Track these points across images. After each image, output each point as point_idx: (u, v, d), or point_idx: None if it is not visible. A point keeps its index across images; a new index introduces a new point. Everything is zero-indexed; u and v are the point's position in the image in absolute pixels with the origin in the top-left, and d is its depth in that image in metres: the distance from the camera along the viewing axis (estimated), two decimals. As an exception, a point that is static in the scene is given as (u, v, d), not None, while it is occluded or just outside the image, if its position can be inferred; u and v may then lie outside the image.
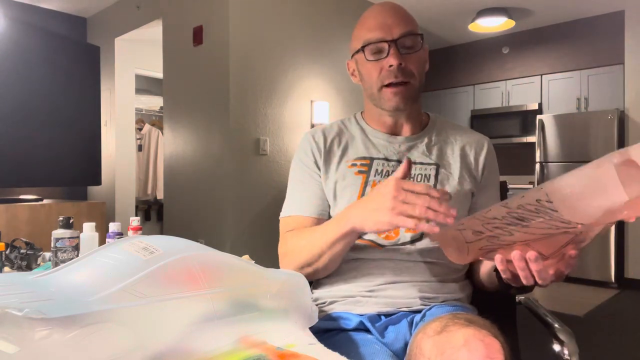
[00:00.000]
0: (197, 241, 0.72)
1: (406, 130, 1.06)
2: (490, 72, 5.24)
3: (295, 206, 1.05)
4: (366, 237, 0.98)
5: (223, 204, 3.20)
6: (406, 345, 0.88)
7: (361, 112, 1.13)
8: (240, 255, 0.84)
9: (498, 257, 0.75)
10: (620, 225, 4.19)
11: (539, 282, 0.74)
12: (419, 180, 1.01)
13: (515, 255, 0.72)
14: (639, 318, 3.45)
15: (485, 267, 0.98)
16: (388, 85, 0.98)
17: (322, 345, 0.67)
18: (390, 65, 0.95)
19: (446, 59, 5.47)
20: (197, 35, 3.37)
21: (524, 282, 0.74)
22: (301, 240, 0.98)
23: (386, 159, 1.03)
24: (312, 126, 3.61)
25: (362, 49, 0.99)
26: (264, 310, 0.67)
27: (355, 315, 0.93)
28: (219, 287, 0.62)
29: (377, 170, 1.01)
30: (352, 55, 1.06)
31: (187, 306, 0.59)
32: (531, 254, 0.70)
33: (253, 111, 3.28)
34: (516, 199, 0.65)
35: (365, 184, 1.00)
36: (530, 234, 0.69)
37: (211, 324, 0.60)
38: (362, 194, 0.99)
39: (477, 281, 1.04)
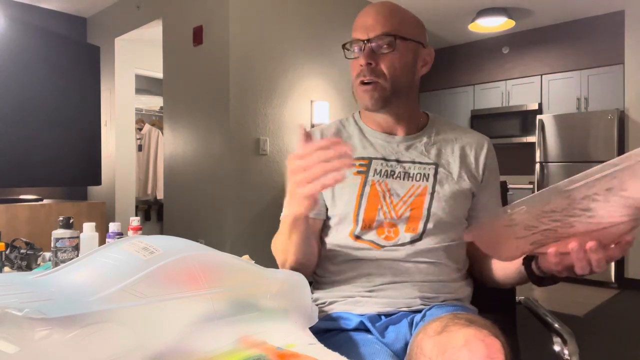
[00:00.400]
0: (197, 241, 0.72)
1: (401, 130, 1.06)
2: (490, 72, 5.24)
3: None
4: (365, 237, 0.98)
5: (223, 204, 3.20)
6: (406, 345, 0.88)
7: (359, 112, 1.13)
8: (240, 255, 0.84)
9: (552, 251, 0.74)
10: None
11: (596, 270, 0.74)
12: (417, 179, 1.00)
13: (574, 247, 0.71)
14: (639, 318, 3.45)
15: (501, 264, 0.98)
16: (360, 83, 1.00)
17: (322, 345, 0.67)
18: (361, 65, 0.98)
19: (446, 59, 5.46)
20: (197, 35, 3.37)
21: (579, 272, 0.74)
22: (277, 242, 1.01)
23: (384, 159, 1.03)
24: (312, 126, 3.61)
25: (344, 47, 1.03)
26: (264, 310, 0.67)
27: (355, 315, 0.93)
28: (219, 287, 0.62)
29: (375, 170, 1.02)
30: None
31: (187, 306, 0.59)
32: (592, 244, 0.70)
33: (253, 111, 3.28)
34: (582, 189, 0.64)
35: (364, 184, 1.00)
36: (595, 224, 0.68)
37: (211, 324, 0.60)
38: (361, 193, 0.99)
39: (489, 279, 1.03)
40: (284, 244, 0.95)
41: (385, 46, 0.98)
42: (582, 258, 0.72)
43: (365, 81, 0.98)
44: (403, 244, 0.97)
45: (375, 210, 0.98)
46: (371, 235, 0.98)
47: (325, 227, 1.05)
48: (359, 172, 1.02)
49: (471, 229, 0.84)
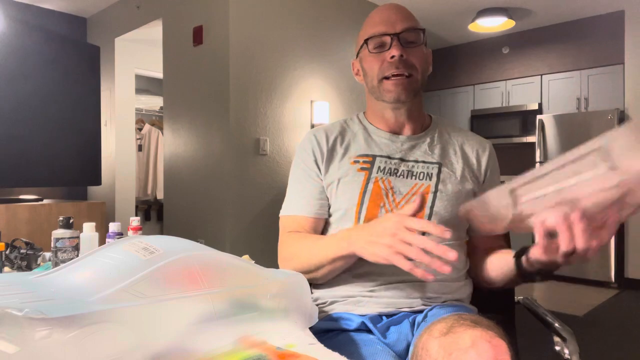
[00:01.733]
0: (197, 241, 0.72)
1: (408, 128, 1.07)
2: (490, 72, 5.24)
3: (294, 206, 1.06)
4: None
5: (223, 204, 3.20)
6: (408, 345, 0.88)
7: (363, 112, 1.14)
8: (240, 255, 0.84)
9: (538, 221, 0.72)
10: (620, 225, 4.19)
11: (580, 246, 0.70)
12: (421, 178, 1.01)
13: (558, 215, 0.70)
14: (639, 318, 3.45)
15: (496, 263, 0.98)
16: (389, 78, 0.99)
17: (322, 345, 0.67)
18: (392, 57, 0.98)
19: (446, 59, 5.46)
20: (197, 35, 3.37)
21: (563, 247, 0.71)
22: (302, 249, 0.98)
23: (389, 157, 1.03)
24: (312, 126, 3.61)
25: (366, 42, 1.02)
26: (264, 310, 0.67)
27: (356, 316, 0.93)
28: (219, 287, 0.62)
29: (379, 167, 1.02)
30: (357, 54, 1.08)
31: (187, 306, 0.59)
32: (576, 214, 0.69)
33: (253, 111, 3.28)
34: (575, 151, 0.66)
35: (368, 180, 1.00)
36: (581, 192, 0.68)
37: (211, 324, 0.60)
38: (364, 190, 0.99)
39: (483, 278, 1.03)
40: (317, 258, 0.94)
41: (414, 40, 1.00)
42: (567, 228, 0.70)
43: (397, 74, 0.98)
44: None
45: (377, 208, 0.98)
46: None
47: (326, 223, 1.05)
48: (362, 169, 1.02)
49: (467, 204, 0.84)
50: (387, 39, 0.99)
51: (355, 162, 1.03)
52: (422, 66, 1.01)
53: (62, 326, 0.47)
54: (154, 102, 5.33)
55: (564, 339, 0.93)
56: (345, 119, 1.14)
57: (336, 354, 0.64)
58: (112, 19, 4.23)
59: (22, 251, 1.28)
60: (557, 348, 0.92)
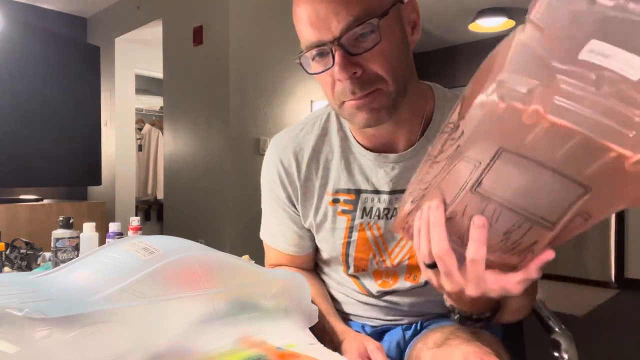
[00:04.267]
0: (197, 241, 0.72)
1: (401, 139, 0.78)
2: (490, 72, 5.23)
3: (272, 238, 0.92)
4: (360, 278, 0.86)
5: (223, 204, 3.20)
6: (398, 346, 0.87)
7: None
8: (240, 255, 0.84)
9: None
10: (621, 225, 4.19)
11: (424, 258, 0.54)
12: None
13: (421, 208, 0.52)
14: (639, 318, 3.45)
15: None
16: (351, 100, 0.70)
17: (322, 345, 0.67)
18: (339, 80, 0.67)
19: (446, 59, 5.46)
20: (197, 35, 3.37)
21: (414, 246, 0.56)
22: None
23: (376, 191, 0.80)
24: (312, 126, 3.60)
25: (300, 55, 0.70)
26: (264, 310, 0.67)
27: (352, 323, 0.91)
28: (219, 287, 0.62)
29: (364, 209, 0.80)
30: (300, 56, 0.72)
31: (187, 306, 0.59)
32: (435, 201, 0.51)
33: (253, 111, 3.28)
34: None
35: (351, 229, 0.81)
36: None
37: (211, 324, 0.60)
38: (348, 240, 0.82)
39: None
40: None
41: (365, 39, 0.66)
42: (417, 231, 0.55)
43: (357, 98, 0.69)
44: (401, 292, 0.85)
45: (366, 260, 0.83)
46: (366, 279, 0.85)
47: (317, 253, 0.91)
48: (343, 212, 0.81)
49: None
50: (324, 51, 0.67)
51: (334, 201, 0.81)
52: (393, 65, 0.68)
53: (62, 326, 0.47)
54: (154, 102, 5.32)
55: (564, 351, 0.93)
56: (321, 117, 0.85)
57: (336, 354, 0.64)
58: (112, 19, 4.23)
59: (22, 251, 1.28)
60: (556, 354, 0.92)
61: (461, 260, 0.52)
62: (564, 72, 0.39)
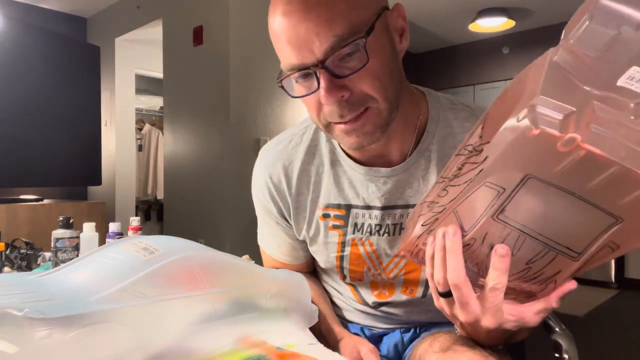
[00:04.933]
0: (197, 241, 0.72)
1: (393, 152, 0.74)
2: (490, 72, 5.23)
3: (267, 246, 0.91)
4: (357, 287, 0.85)
5: (223, 204, 3.20)
6: (396, 347, 0.86)
7: None
8: (240, 255, 0.84)
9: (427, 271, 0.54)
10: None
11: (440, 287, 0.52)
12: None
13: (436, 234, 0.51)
14: (639, 318, 3.45)
15: None
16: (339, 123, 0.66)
17: (322, 345, 0.67)
18: (327, 104, 0.64)
19: (446, 59, 5.47)
20: (197, 35, 3.37)
21: (422, 264, 0.54)
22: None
23: (367, 206, 0.76)
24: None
25: (282, 79, 0.67)
26: (264, 310, 0.67)
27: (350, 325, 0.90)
28: (219, 287, 0.62)
29: (356, 225, 0.77)
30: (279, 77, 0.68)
31: (187, 306, 0.58)
32: (452, 228, 0.49)
33: (253, 111, 3.28)
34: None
35: (343, 244, 0.79)
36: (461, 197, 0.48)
37: (211, 324, 0.60)
38: (341, 254, 0.80)
39: None
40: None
41: (352, 57, 0.60)
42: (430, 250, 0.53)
43: (346, 121, 0.65)
44: (397, 303, 0.83)
45: (361, 272, 0.81)
46: (363, 289, 0.84)
47: (314, 260, 0.89)
48: (334, 227, 0.78)
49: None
50: (307, 73, 0.63)
51: (325, 216, 0.79)
52: (383, 83, 0.63)
53: (62, 326, 0.47)
54: (154, 102, 5.32)
55: (564, 350, 0.93)
56: (310, 127, 0.82)
57: (336, 354, 0.64)
58: (112, 19, 4.23)
59: (22, 251, 1.28)
60: (556, 354, 0.92)
61: (475, 289, 0.51)
62: (601, 99, 0.37)
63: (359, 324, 0.90)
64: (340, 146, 0.78)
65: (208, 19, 3.31)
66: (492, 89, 5.20)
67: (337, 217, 0.78)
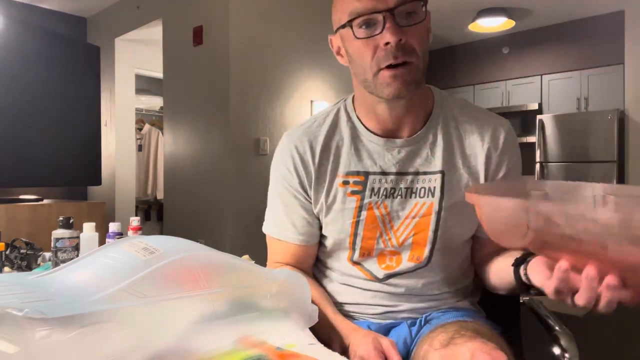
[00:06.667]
0: (197, 241, 0.72)
1: (406, 127, 0.88)
2: (490, 72, 5.24)
3: (280, 229, 0.94)
4: (364, 264, 0.90)
5: (223, 204, 3.20)
6: (404, 343, 0.87)
7: (352, 99, 0.94)
8: (240, 255, 0.84)
9: (563, 266, 0.59)
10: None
11: (601, 310, 0.61)
12: (422, 195, 0.87)
13: (590, 272, 0.57)
14: (639, 318, 3.45)
15: (496, 269, 0.87)
16: (386, 67, 0.79)
17: (322, 345, 0.67)
18: (387, 43, 0.77)
19: (446, 59, 5.47)
20: (197, 35, 3.37)
21: (580, 302, 0.61)
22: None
23: (383, 173, 0.87)
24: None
25: (350, 23, 0.79)
26: (264, 310, 0.67)
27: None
28: (219, 287, 0.62)
29: (373, 189, 0.87)
30: (336, 30, 0.85)
31: (187, 306, 0.58)
32: (613, 280, 0.56)
33: (253, 111, 3.28)
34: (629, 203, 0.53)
35: (360, 208, 0.87)
36: (627, 253, 0.51)
37: (211, 324, 0.60)
38: (357, 220, 0.87)
39: (487, 284, 0.94)
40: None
41: (410, 16, 0.79)
42: (592, 289, 0.58)
43: (395, 63, 0.78)
44: (404, 274, 0.89)
45: (373, 239, 0.88)
46: (370, 264, 0.89)
47: (321, 245, 0.95)
48: (353, 193, 0.87)
49: (475, 190, 0.67)
50: (378, 17, 0.77)
51: (345, 182, 0.88)
52: (424, 47, 0.81)
53: (62, 326, 0.47)
54: (154, 102, 5.32)
55: (564, 349, 0.93)
56: (332, 112, 0.94)
57: (336, 354, 0.64)
58: (112, 19, 4.23)
59: (22, 251, 1.28)
60: (557, 352, 0.92)
61: None
62: None
63: (362, 306, 0.91)
64: (361, 122, 0.91)
65: (208, 19, 3.31)
66: (492, 89, 5.20)
67: (356, 182, 0.88)
